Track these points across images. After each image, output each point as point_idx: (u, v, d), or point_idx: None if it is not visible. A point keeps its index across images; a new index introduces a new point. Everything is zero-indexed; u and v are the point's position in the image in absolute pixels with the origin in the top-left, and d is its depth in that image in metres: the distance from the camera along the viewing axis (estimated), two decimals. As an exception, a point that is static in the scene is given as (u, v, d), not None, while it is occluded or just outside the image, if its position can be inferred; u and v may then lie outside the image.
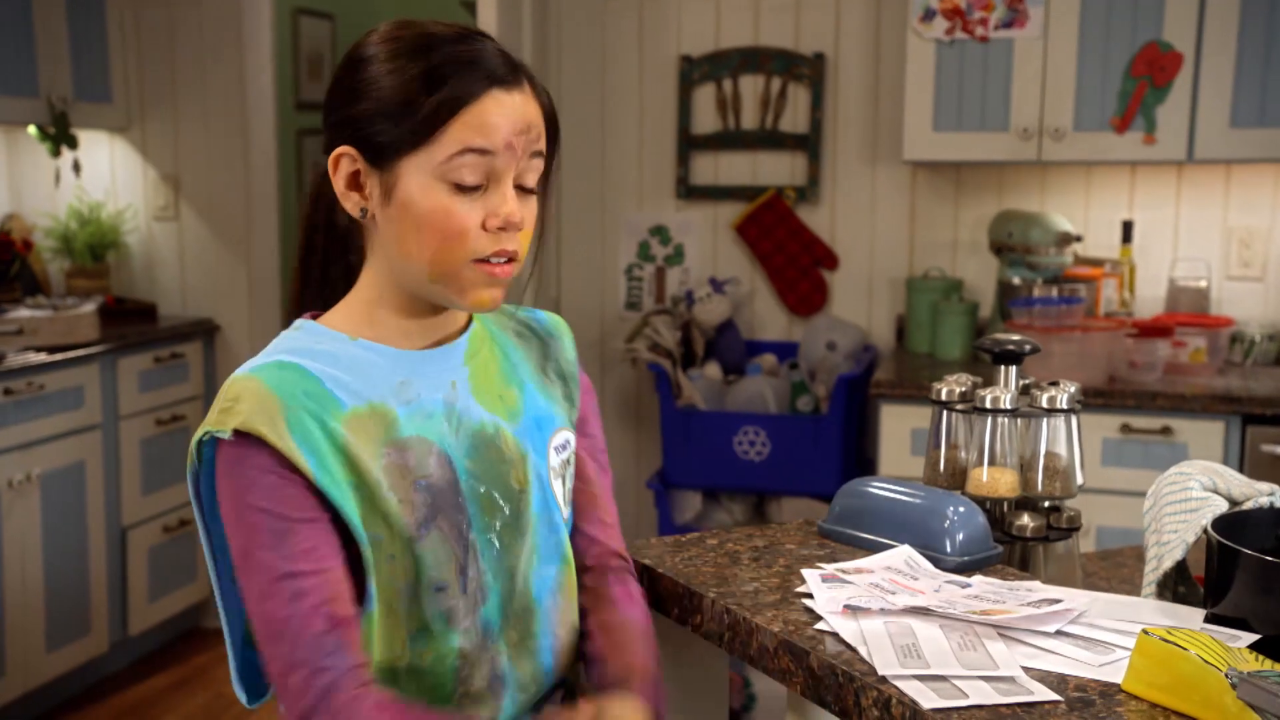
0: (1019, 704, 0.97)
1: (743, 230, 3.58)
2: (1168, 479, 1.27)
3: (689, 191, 3.64)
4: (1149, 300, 3.35)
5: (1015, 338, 1.42)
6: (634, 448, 3.77)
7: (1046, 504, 1.44)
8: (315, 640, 1.08)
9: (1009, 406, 1.38)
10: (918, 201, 3.52)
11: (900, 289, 3.55)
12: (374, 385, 1.17)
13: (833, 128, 3.55)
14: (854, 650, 1.08)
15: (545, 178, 1.21)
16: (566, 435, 1.28)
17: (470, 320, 1.27)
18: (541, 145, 1.18)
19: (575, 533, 1.30)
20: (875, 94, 3.51)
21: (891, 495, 1.37)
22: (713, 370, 3.45)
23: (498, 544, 1.20)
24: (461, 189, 1.14)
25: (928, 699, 0.97)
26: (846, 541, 1.39)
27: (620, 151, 3.69)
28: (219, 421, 1.11)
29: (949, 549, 1.30)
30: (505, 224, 1.15)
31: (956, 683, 1.00)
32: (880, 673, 1.02)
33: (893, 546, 1.33)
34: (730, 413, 3.30)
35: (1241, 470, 2.85)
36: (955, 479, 1.44)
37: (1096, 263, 3.26)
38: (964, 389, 1.44)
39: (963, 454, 1.43)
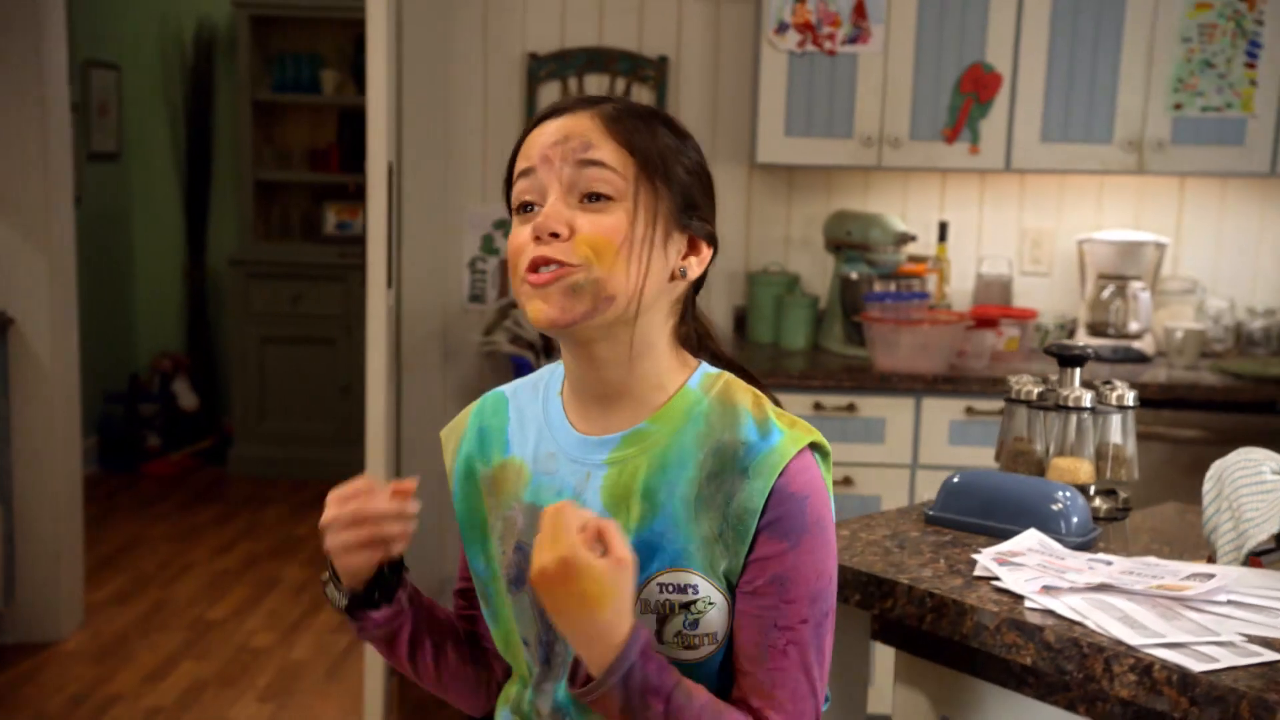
0: (1263, 664, 1.18)
1: (589, 225, 3.70)
2: (1235, 464, 1.53)
3: (535, 186, 3.72)
4: (959, 293, 3.72)
5: (1080, 344, 1.65)
6: (475, 437, 3.82)
7: (1093, 488, 1.67)
8: None
9: (1089, 405, 1.61)
10: (753, 200, 3.76)
11: (737, 282, 3.77)
12: (532, 444, 1.25)
13: (674, 128, 3.72)
14: (1079, 624, 1.27)
15: (646, 195, 1.16)
16: (691, 580, 1.16)
17: (658, 415, 1.20)
18: (594, 154, 1.15)
19: (734, 668, 1.19)
20: (715, 97, 3.71)
21: (1004, 484, 1.56)
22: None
23: None
24: (519, 212, 1.19)
25: (1193, 663, 1.16)
26: (959, 528, 1.58)
27: (464, 145, 3.73)
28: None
29: (1066, 530, 1.51)
30: (537, 229, 1.15)
31: (1197, 649, 1.20)
32: (1130, 643, 1.21)
33: (1010, 531, 1.52)
34: (594, 402, 3.42)
35: (1065, 445, 3.24)
36: (1031, 469, 1.65)
37: (919, 259, 3.60)
38: (1041, 389, 1.65)
39: (1038, 445, 1.65)
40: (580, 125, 1.17)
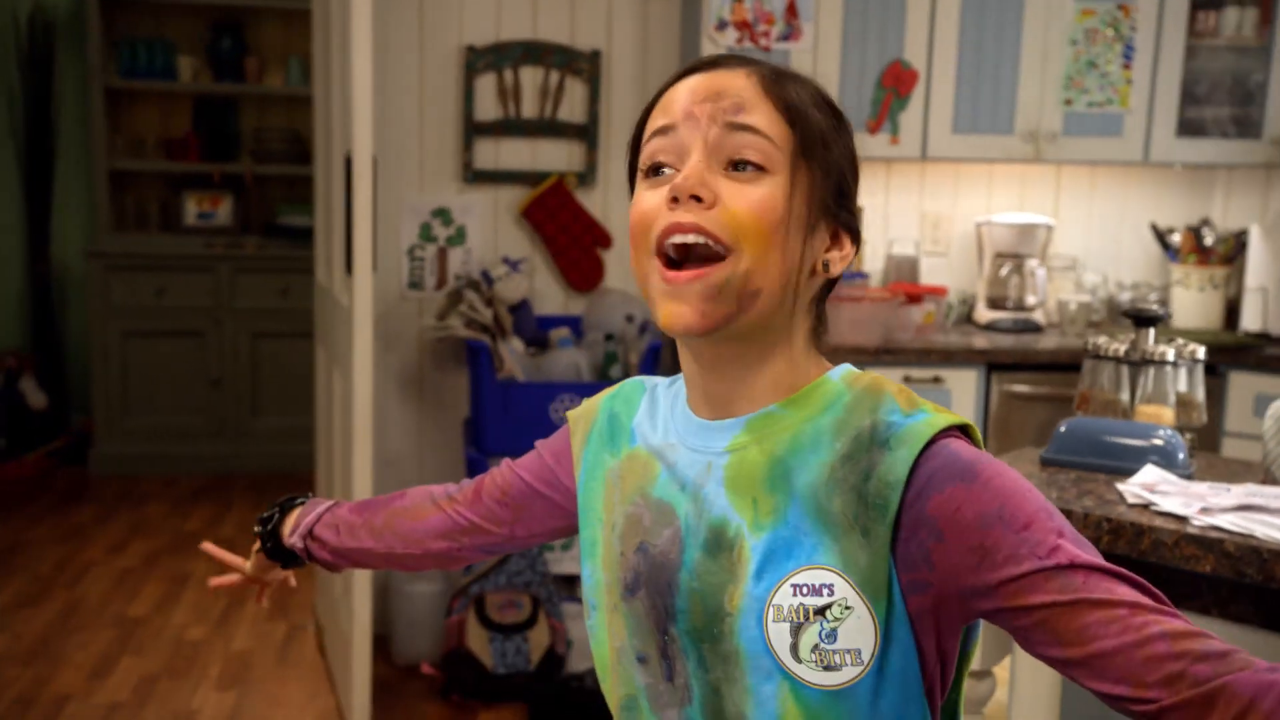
0: None
1: (529, 213, 3.83)
2: (1299, 407, 1.84)
3: (475, 176, 3.82)
4: (872, 273, 4.03)
5: (1154, 308, 1.93)
6: (416, 422, 3.90)
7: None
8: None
9: (1172, 359, 1.89)
10: (682, 187, 3.95)
11: (668, 265, 3.96)
12: (658, 434, 1.14)
13: (607, 118, 3.89)
14: (1248, 536, 1.54)
15: (802, 174, 1.03)
16: (827, 578, 0.99)
17: (791, 399, 1.06)
18: (747, 118, 1.01)
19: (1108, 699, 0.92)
20: (645, 89, 3.89)
21: (1112, 428, 1.83)
22: (517, 344, 3.68)
23: (702, 656, 1.06)
24: (650, 175, 1.05)
25: (1364, 556, 1.45)
26: (1078, 467, 1.84)
27: (402, 136, 3.78)
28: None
29: (1171, 465, 1.78)
30: (676, 190, 1.00)
31: (1355, 546, 1.49)
32: (1305, 546, 1.49)
33: (1126, 468, 1.79)
34: (551, 383, 3.56)
35: (988, 406, 3.59)
36: (1117, 416, 1.92)
37: (838, 242, 3.88)
38: (1125, 347, 1.92)
39: (1123, 396, 1.92)
40: (734, 83, 1.03)
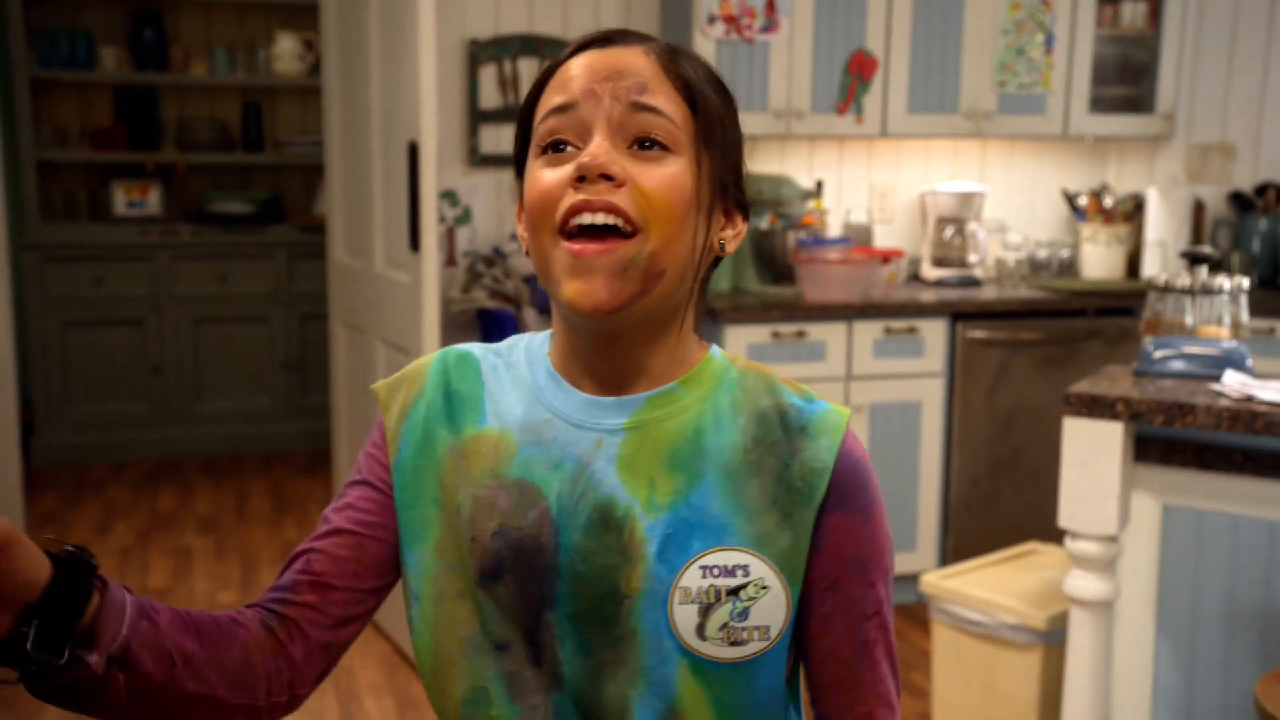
0: None
1: (531, 191, 4.15)
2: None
3: (480, 160, 4.11)
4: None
5: (1208, 250, 2.43)
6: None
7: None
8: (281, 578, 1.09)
9: (1229, 289, 2.40)
10: (665, 166, 4.34)
11: (654, 237, 4.34)
12: (520, 411, 1.08)
13: (598, 104, 4.23)
14: (1337, 414, 2.05)
15: (704, 155, 1.03)
16: (741, 559, 1.02)
17: (687, 378, 1.07)
18: (650, 99, 1.00)
19: (819, 681, 1.08)
20: (632, 77, 4.26)
21: (1191, 343, 2.32)
22: (532, 312, 4.00)
23: (585, 640, 1.04)
24: (548, 152, 1.02)
25: None
26: (1169, 376, 2.32)
27: (413, 121, 4.05)
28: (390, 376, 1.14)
29: (1244, 370, 2.28)
30: (584, 169, 0.98)
31: None
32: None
33: (1210, 374, 2.28)
34: (573, 346, 3.90)
35: (954, 350, 4.10)
36: (1184, 336, 2.42)
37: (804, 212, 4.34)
38: (1190, 281, 2.42)
39: (1187, 319, 2.42)
40: (635, 62, 1.02)
